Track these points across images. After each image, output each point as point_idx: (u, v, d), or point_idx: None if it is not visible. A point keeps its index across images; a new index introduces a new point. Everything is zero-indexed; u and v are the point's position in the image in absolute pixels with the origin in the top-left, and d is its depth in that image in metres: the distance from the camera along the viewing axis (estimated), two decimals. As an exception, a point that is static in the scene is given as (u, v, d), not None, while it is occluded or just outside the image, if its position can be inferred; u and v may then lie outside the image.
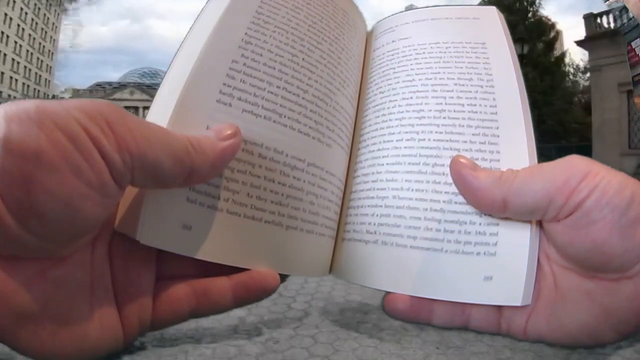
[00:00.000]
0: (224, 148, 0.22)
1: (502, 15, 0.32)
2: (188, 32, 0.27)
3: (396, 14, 0.35)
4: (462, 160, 0.24)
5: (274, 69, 0.26)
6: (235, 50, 0.25)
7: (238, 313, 0.26)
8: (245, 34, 0.26)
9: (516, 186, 0.22)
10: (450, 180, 0.24)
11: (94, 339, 0.20)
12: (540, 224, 0.23)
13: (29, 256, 0.18)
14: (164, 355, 0.21)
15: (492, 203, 0.23)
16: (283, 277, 0.24)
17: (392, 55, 0.32)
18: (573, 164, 0.22)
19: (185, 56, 0.25)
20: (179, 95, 0.23)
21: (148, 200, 0.21)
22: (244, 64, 0.25)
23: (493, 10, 0.32)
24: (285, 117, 0.25)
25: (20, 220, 0.17)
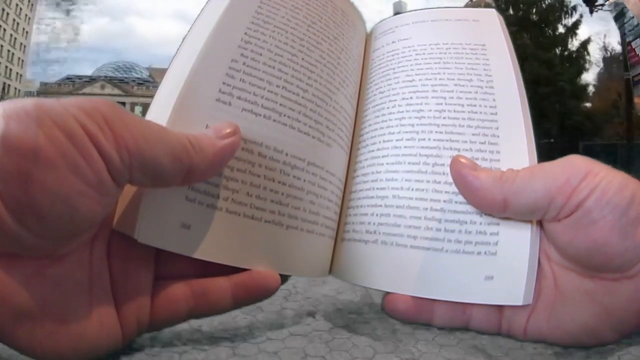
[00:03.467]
0: (223, 146, 0.22)
1: (501, 18, 0.33)
2: (188, 32, 0.28)
3: (396, 15, 0.36)
4: (462, 160, 0.25)
5: (274, 68, 0.27)
6: (235, 50, 0.26)
7: (235, 313, 0.27)
8: (245, 33, 0.27)
9: (517, 186, 0.23)
10: (450, 179, 0.25)
11: (93, 338, 0.21)
12: (540, 223, 0.25)
13: (28, 254, 0.19)
14: (162, 356, 0.22)
15: (493, 203, 0.24)
16: (284, 278, 0.25)
17: (392, 55, 0.33)
18: (573, 163, 0.23)
19: (184, 56, 0.26)
20: (179, 94, 0.24)
21: (146, 199, 0.22)
22: (244, 64, 0.26)
23: (493, 13, 0.34)
24: (285, 116, 0.26)
25: (18, 217, 0.17)
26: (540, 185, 0.23)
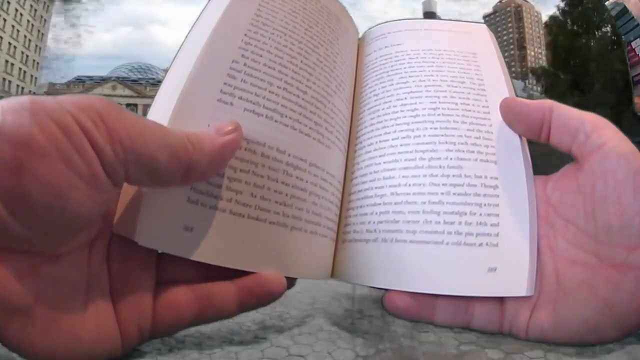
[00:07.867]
0: (223, 143, 0.22)
1: (492, 34, 0.34)
2: (188, 34, 0.27)
3: (388, 22, 0.37)
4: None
5: (274, 69, 0.26)
6: (236, 51, 0.26)
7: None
8: (245, 35, 0.27)
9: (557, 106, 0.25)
10: (447, 172, 0.26)
11: (89, 342, 0.20)
12: (541, 221, 0.24)
13: (20, 248, 0.18)
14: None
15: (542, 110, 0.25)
16: (290, 282, 0.24)
17: (386, 59, 0.33)
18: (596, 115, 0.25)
19: (185, 56, 0.26)
20: (180, 94, 0.23)
21: (147, 200, 0.21)
22: (245, 64, 0.26)
23: (484, 28, 0.35)
24: (286, 117, 0.26)
25: (10, 207, 0.17)
26: (577, 112, 0.25)
